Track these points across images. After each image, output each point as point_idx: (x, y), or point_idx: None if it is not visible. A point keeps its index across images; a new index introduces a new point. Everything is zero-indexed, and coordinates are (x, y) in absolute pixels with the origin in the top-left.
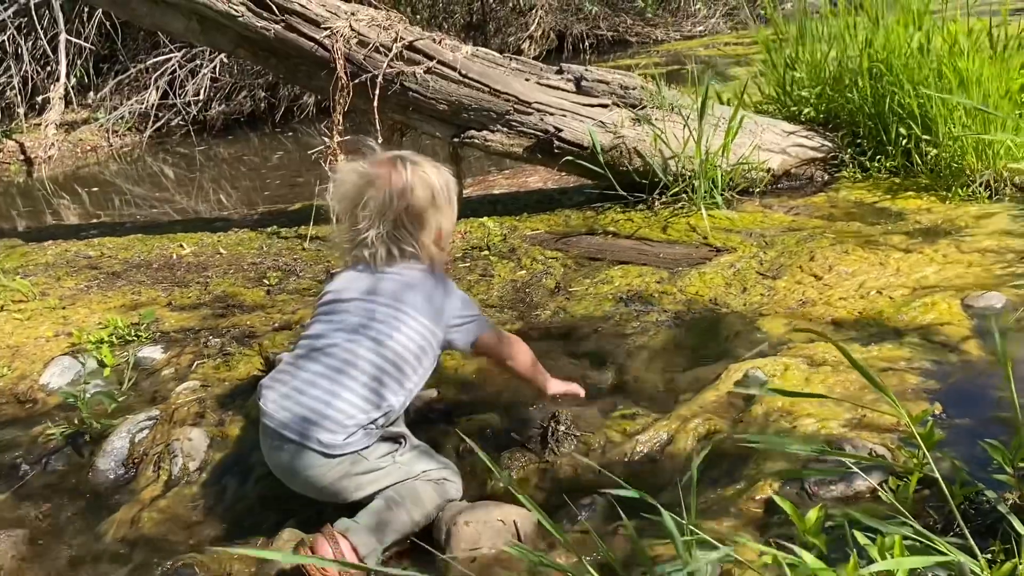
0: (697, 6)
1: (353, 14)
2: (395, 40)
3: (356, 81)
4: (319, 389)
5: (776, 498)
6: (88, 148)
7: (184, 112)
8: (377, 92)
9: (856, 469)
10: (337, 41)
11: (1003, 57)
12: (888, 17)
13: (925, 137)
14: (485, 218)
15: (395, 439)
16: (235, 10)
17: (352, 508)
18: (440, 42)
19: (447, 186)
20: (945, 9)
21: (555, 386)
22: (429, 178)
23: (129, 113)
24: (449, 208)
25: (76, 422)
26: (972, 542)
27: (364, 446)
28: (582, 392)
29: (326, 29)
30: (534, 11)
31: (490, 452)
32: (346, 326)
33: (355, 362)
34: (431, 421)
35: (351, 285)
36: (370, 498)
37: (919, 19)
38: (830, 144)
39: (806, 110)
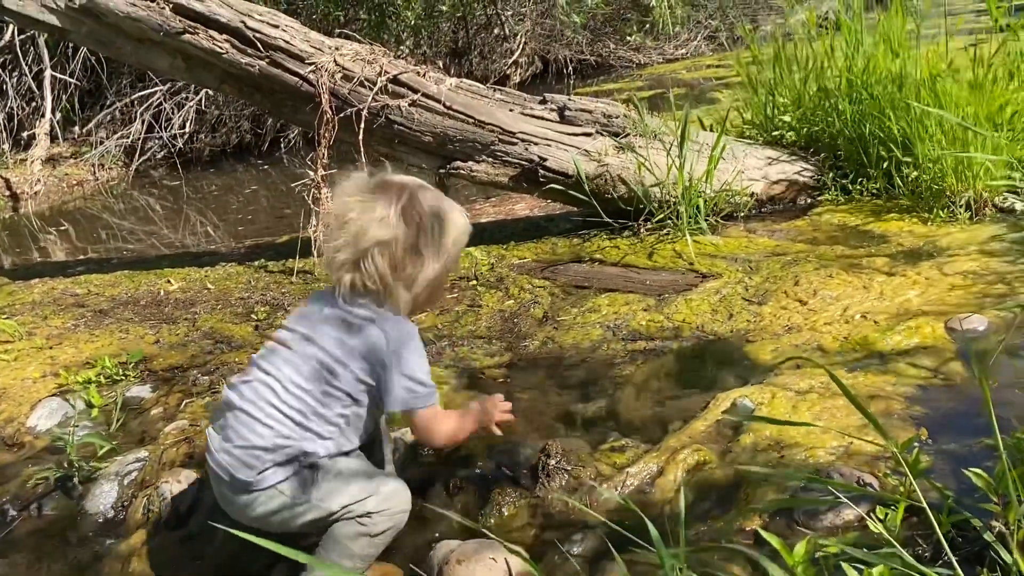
0: (677, 30)
1: (337, 49)
2: (380, 74)
3: (341, 115)
4: (241, 424)
5: (763, 533)
6: (74, 183)
7: (170, 145)
8: (362, 125)
9: (844, 499)
10: (322, 76)
11: (980, 81)
12: (867, 40)
13: (906, 159)
14: (472, 248)
15: (309, 469)
16: (219, 47)
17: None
18: (424, 75)
19: (442, 230)
20: (919, 31)
21: (484, 419)
22: (422, 219)
23: (115, 147)
24: (435, 257)
25: (65, 465)
26: (960, 571)
27: (277, 481)
28: (507, 405)
29: (311, 64)
30: (518, 37)
31: (481, 488)
32: (277, 360)
33: (274, 399)
34: (421, 456)
35: (303, 316)
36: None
37: (898, 44)
38: (812, 168)
39: (788, 134)
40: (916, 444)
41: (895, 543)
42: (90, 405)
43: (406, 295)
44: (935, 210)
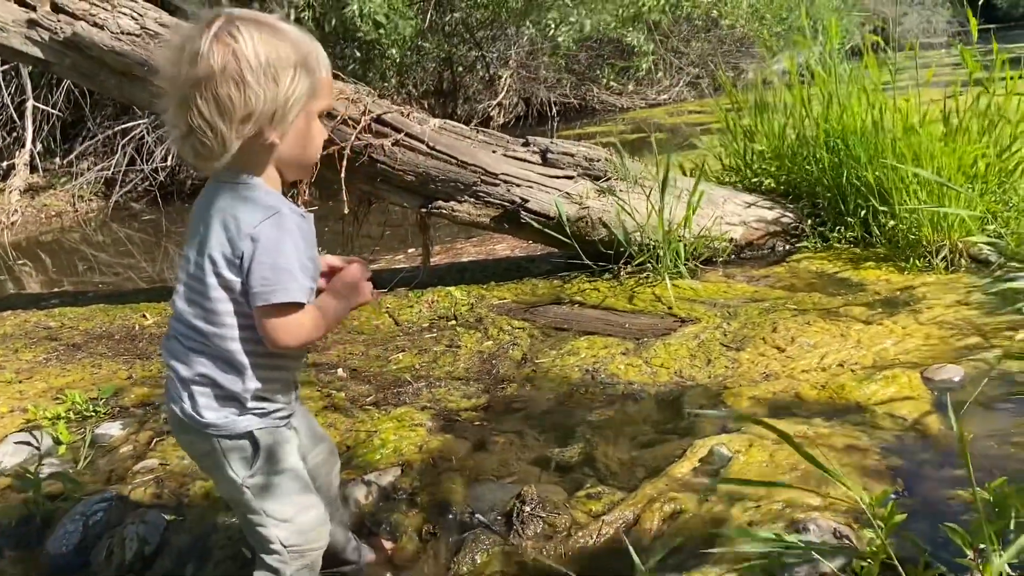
0: (659, 76)
1: None
2: (363, 113)
3: (324, 153)
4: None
5: None
6: (52, 214)
7: (151, 178)
8: (345, 163)
9: (819, 556)
10: None
11: (954, 134)
12: (841, 90)
13: (883, 209)
14: (452, 287)
15: (248, 443)
16: None
17: None
18: (408, 115)
19: (269, 48)
20: (895, 82)
21: (356, 300)
22: (239, 40)
23: (96, 179)
24: (265, 82)
25: (28, 504)
26: None
27: (215, 425)
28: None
29: None
30: (502, 80)
31: (454, 534)
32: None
33: (178, 315)
34: (394, 501)
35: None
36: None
37: (871, 96)
38: (791, 215)
39: (767, 181)
40: (893, 496)
41: None
42: (58, 442)
43: (257, 148)
44: (912, 259)
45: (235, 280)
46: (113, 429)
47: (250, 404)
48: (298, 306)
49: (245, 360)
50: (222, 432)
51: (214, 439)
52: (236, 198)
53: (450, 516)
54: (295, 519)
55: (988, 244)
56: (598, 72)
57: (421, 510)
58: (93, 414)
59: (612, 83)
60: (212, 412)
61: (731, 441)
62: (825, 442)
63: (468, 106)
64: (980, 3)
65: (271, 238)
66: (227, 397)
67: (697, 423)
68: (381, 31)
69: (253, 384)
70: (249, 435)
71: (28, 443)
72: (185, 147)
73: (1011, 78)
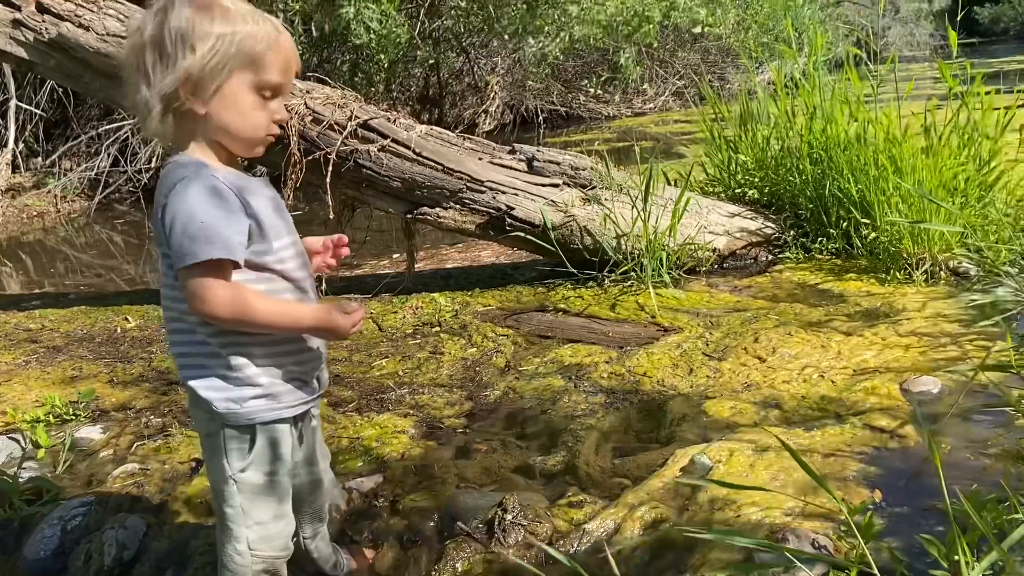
0: (644, 86)
1: (308, 92)
2: (350, 118)
3: (309, 158)
4: None
5: None
6: (34, 214)
7: (135, 179)
8: (330, 169)
9: (798, 563)
10: (292, 118)
11: (934, 148)
12: (824, 102)
13: (864, 221)
14: (436, 294)
15: (248, 437)
16: None
17: None
18: (395, 121)
19: (199, 27)
20: (876, 95)
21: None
22: (167, 7)
23: (79, 179)
24: (183, 48)
25: (6, 508)
26: None
27: (220, 413)
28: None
29: None
30: (489, 86)
31: (435, 542)
32: None
33: (163, 295)
34: (376, 508)
35: None
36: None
37: (853, 108)
38: (773, 226)
39: (750, 192)
40: (871, 507)
41: None
42: (37, 445)
43: (186, 119)
44: (892, 271)
45: (170, 251)
46: (93, 433)
47: (245, 390)
48: (211, 270)
49: (213, 340)
50: (228, 421)
51: (220, 425)
52: (165, 172)
53: (432, 524)
54: (267, 524)
55: (967, 258)
56: (585, 81)
57: (403, 517)
58: (73, 417)
59: (598, 92)
60: (212, 392)
61: (712, 450)
62: (805, 452)
63: (455, 112)
64: (959, 18)
65: (178, 203)
66: (218, 377)
67: (678, 432)
68: (372, 36)
69: (235, 362)
70: (251, 428)
71: (7, 447)
72: (139, 122)
73: (986, 93)
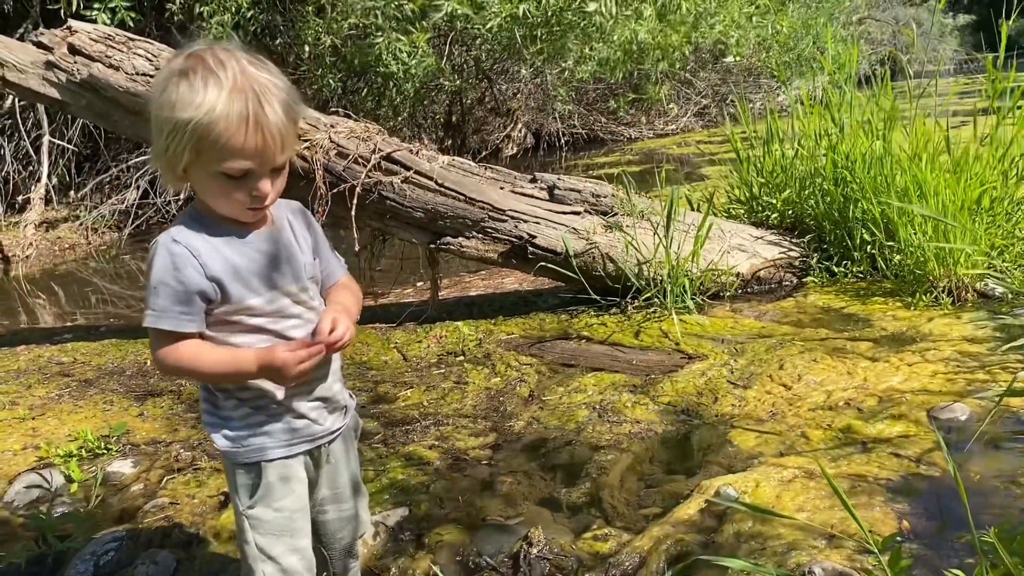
0: (670, 106)
1: (332, 126)
2: (373, 151)
3: (335, 190)
4: None
5: None
6: (67, 246)
7: (164, 211)
8: (355, 201)
9: None
10: (317, 152)
11: (959, 167)
12: (852, 121)
13: (889, 243)
14: (460, 322)
15: (254, 474)
16: None
17: None
18: (417, 152)
19: (166, 85)
20: (899, 114)
21: (275, 378)
22: (165, 94)
23: (109, 212)
24: (157, 119)
25: (40, 543)
26: None
27: (224, 451)
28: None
29: (306, 141)
30: (512, 114)
31: None
32: None
33: None
34: (402, 543)
35: None
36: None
37: (881, 131)
38: (797, 249)
39: (773, 215)
40: (899, 538)
41: None
42: (70, 480)
43: (173, 177)
44: (918, 294)
45: None
46: (125, 467)
47: (243, 430)
48: (162, 332)
49: (211, 384)
50: (233, 459)
51: (231, 463)
52: None
53: (457, 559)
54: (281, 559)
55: (994, 278)
56: (609, 103)
57: (428, 551)
58: (105, 452)
59: (623, 113)
60: (216, 432)
61: (738, 481)
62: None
63: (478, 137)
64: (995, 30)
65: (150, 257)
66: (221, 418)
67: (704, 462)
68: (399, 67)
69: (224, 404)
70: (256, 466)
71: (40, 482)
72: None
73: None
